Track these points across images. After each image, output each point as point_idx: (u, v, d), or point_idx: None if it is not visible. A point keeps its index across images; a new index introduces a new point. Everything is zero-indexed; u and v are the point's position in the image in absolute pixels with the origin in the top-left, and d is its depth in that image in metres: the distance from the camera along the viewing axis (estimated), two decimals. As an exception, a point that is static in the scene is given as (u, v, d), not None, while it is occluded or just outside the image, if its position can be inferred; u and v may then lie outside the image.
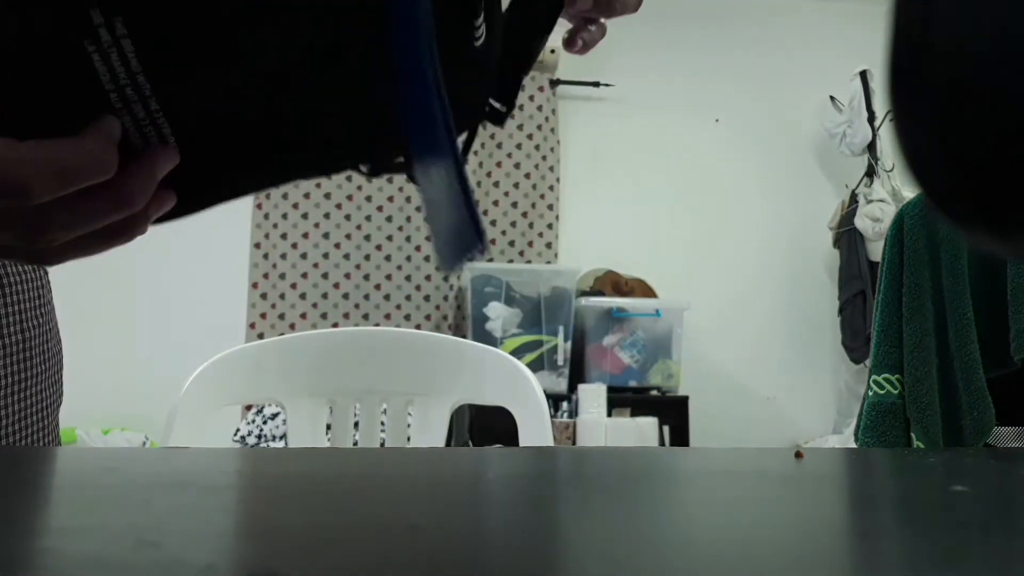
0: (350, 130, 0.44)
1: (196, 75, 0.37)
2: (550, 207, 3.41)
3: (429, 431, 1.06)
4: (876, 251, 3.16)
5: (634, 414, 2.90)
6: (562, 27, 0.59)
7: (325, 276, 3.29)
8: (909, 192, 2.99)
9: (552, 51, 3.31)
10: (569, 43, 0.58)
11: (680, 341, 3.08)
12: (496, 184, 3.40)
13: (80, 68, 0.35)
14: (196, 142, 0.40)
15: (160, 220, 0.45)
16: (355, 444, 1.17)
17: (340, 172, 0.49)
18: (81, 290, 3.22)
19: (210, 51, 0.37)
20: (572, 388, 2.94)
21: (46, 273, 0.78)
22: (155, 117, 0.38)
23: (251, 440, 2.53)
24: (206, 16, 0.36)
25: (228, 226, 3.30)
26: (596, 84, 3.50)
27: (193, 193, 0.44)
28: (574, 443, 2.77)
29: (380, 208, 3.34)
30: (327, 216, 3.31)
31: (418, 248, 3.33)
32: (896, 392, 1.40)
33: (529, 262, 3.35)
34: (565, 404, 2.93)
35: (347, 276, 3.30)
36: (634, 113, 3.54)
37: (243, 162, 0.44)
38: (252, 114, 0.40)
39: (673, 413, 2.96)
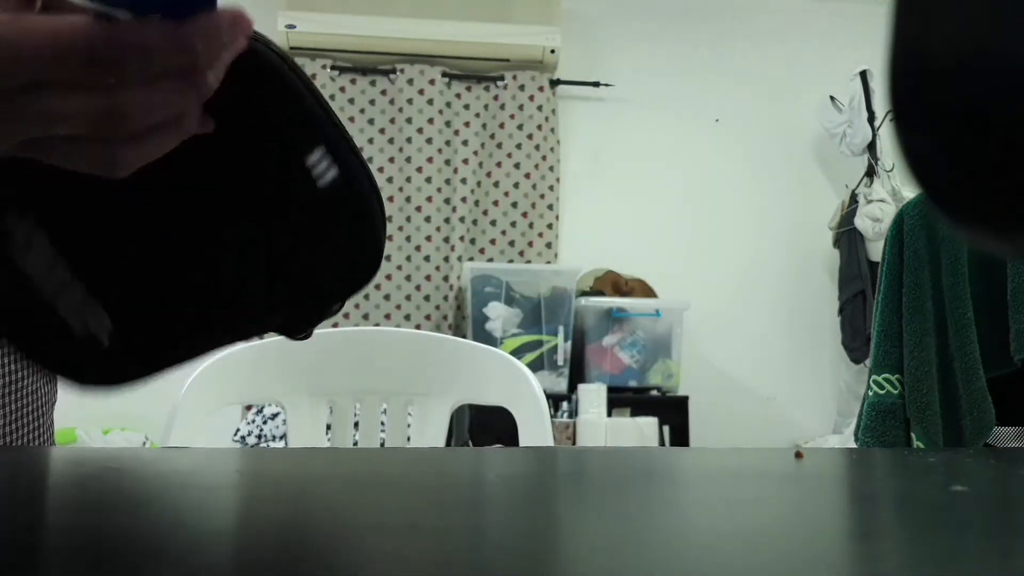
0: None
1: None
2: (550, 207, 3.41)
3: (429, 431, 1.06)
4: (876, 251, 3.16)
5: (634, 414, 2.90)
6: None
7: (325, 276, 3.29)
8: (909, 192, 2.99)
9: (552, 51, 3.31)
10: None
11: (680, 341, 3.08)
12: (496, 184, 3.40)
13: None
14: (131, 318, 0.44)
15: (122, 382, 0.47)
16: (355, 444, 1.17)
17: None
18: (81, 290, 3.22)
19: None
20: (572, 388, 2.94)
21: None
22: (86, 303, 0.43)
23: (251, 440, 2.53)
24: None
25: (228, 226, 3.30)
26: (596, 84, 3.50)
27: (147, 358, 0.47)
28: (574, 443, 2.77)
29: (380, 208, 3.34)
30: (327, 216, 3.31)
31: (418, 248, 3.33)
32: (896, 392, 1.40)
33: (529, 262, 3.35)
34: (565, 404, 2.93)
35: (347, 276, 3.30)
36: (634, 113, 3.54)
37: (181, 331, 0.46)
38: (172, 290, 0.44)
39: (673, 413, 2.96)
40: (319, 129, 0.44)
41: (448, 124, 3.41)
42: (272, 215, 0.44)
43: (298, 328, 0.48)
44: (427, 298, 3.31)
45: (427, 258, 3.32)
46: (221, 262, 0.44)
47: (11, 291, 0.41)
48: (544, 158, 3.41)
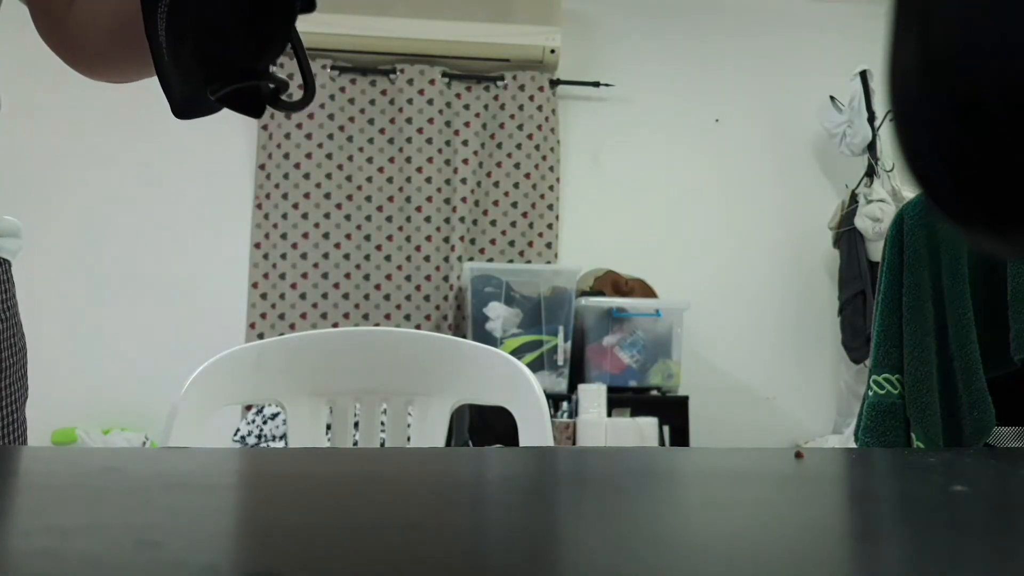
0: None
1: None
2: (550, 207, 3.41)
3: (429, 431, 1.06)
4: (876, 251, 3.16)
5: (634, 414, 2.90)
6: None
7: (325, 276, 3.29)
8: (909, 192, 2.99)
9: (552, 51, 3.31)
10: None
11: (680, 341, 3.08)
12: (496, 184, 3.40)
13: None
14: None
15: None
16: (355, 444, 1.17)
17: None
18: (81, 291, 3.22)
19: None
20: (572, 388, 2.94)
21: (10, 267, 0.78)
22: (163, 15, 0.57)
23: (251, 440, 2.53)
24: None
25: (228, 226, 3.31)
26: (596, 84, 3.50)
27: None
28: (574, 443, 2.77)
29: (380, 208, 3.34)
30: (327, 216, 3.31)
31: (418, 248, 3.33)
32: (896, 392, 1.40)
33: (529, 262, 3.35)
34: (565, 404, 2.93)
35: (347, 276, 3.30)
36: (634, 113, 3.54)
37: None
38: None
39: (673, 413, 2.96)
40: None
41: (448, 124, 3.41)
42: None
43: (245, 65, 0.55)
44: (427, 298, 3.31)
45: (427, 258, 3.32)
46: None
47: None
48: (544, 158, 3.41)
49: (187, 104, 0.57)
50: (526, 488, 0.42)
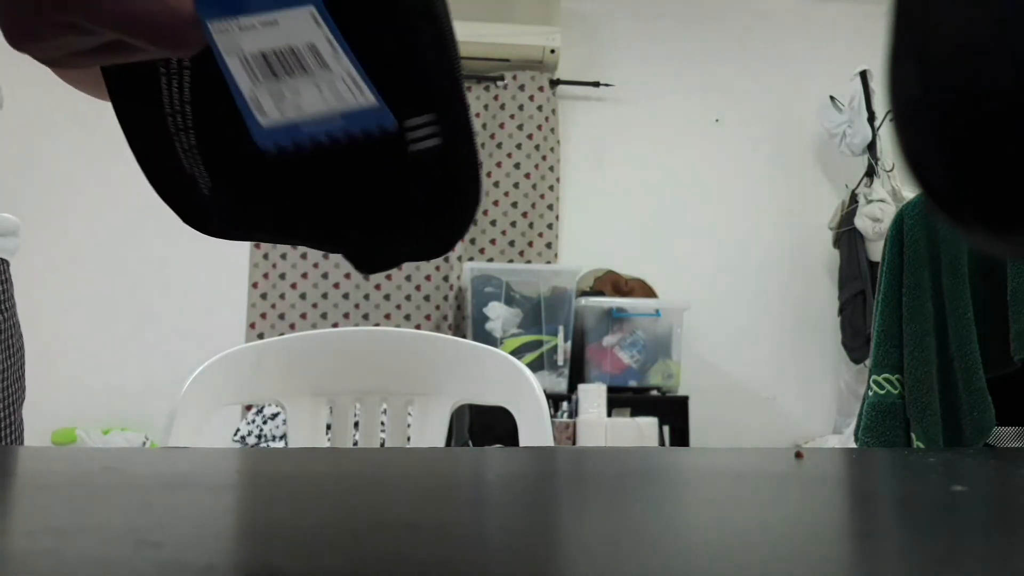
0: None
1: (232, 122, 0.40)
2: (550, 207, 3.41)
3: (429, 431, 1.06)
4: (876, 251, 3.16)
5: (634, 414, 2.90)
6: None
7: (325, 276, 3.29)
8: (909, 192, 2.99)
9: (552, 51, 3.31)
10: None
11: (680, 341, 3.08)
12: (496, 184, 3.40)
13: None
14: (226, 179, 0.45)
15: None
16: (355, 444, 1.17)
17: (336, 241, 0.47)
18: (82, 291, 3.22)
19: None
20: (572, 388, 2.94)
21: (8, 267, 0.78)
22: (193, 151, 0.44)
23: (251, 440, 2.53)
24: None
25: (228, 226, 3.30)
26: (596, 84, 3.50)
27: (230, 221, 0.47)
28: (574, 443, 2.77)
29: (380, 208, 3.34)
30: (327, 216, 3.31)
31: (418, 248, 3.33)
32: (896, 392, 1.40)
33: (529, 262, 3.35)
34: (565, 404, 2.93)
35: (347, 276, 3.30)
36: (634, 113, 3.54)
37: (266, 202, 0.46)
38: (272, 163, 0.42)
39: (673, 413, 2.96)
40: (439, 93, 0.39)
41: (448, 124, 3.41)
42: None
43: (369, 260, 0.47)
44: (427, 298, 3.31)
45: (427, 258, 3.33)
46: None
47: (146, 117, 0.45)
48: (544, 158, 3.41)
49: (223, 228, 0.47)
50: (526, 488, 0.42)
